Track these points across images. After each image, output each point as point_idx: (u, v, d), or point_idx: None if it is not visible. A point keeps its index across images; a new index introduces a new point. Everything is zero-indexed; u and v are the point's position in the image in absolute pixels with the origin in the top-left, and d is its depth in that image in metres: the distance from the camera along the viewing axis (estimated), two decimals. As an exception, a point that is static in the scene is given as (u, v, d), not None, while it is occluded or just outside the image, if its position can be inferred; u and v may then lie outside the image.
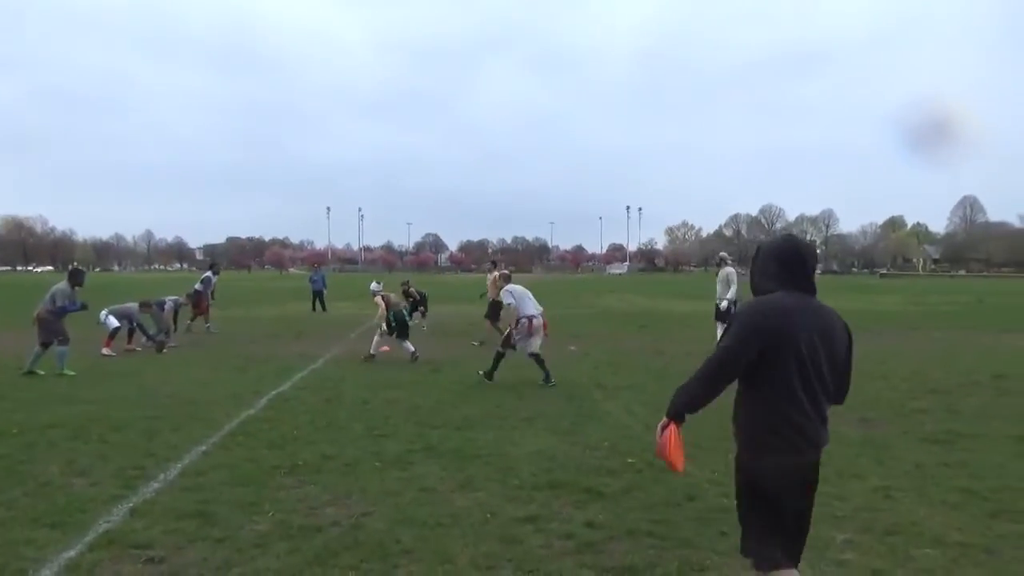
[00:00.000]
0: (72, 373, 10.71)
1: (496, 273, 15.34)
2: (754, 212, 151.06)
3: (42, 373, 10.67)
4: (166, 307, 15.36)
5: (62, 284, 11.35)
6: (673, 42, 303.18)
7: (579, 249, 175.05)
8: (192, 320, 18.00)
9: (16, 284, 54.41)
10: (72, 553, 4.15)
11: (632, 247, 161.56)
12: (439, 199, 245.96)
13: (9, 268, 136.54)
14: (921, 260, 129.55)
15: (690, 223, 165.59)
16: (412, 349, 12.74)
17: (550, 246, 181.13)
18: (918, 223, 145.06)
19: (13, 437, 6.84)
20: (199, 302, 18.05)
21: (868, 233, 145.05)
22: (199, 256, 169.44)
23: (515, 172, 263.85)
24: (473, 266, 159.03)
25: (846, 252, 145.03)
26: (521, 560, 4.14)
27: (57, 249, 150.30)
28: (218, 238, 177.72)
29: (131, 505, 4.97)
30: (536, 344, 10.58)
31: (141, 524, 4.61)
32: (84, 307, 11.66)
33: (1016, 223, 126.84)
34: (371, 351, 12.69)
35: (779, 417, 2.87)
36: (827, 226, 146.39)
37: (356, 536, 4.46)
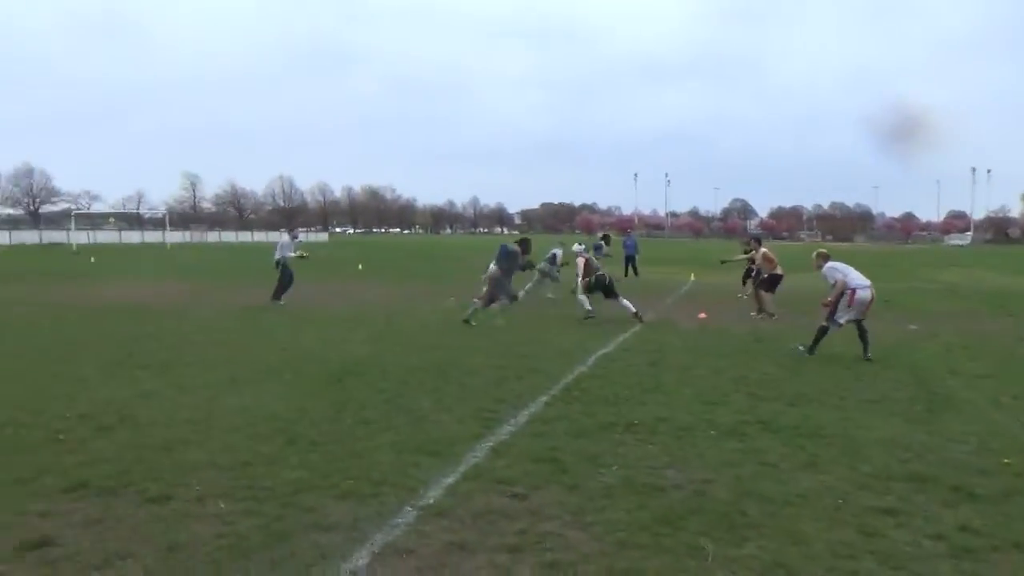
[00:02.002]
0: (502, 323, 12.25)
1: (763, 250, 15.17)
2: None
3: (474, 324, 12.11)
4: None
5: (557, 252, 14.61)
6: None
7: (909, 217, 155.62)
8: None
9: (381, 244, 63.21)
10: (451, 480, 4.75)
11: (977, 215, 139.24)
12: (749, 163, 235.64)
13: (365, 230, 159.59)
14: None
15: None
16: (629, 306, 12.94)
17: (874, 213, 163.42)
18: None
19: (391, 375, 8.01)
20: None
21: None
22: (517, 221, 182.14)
23: (834, 133, 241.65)
24: (785, 233, 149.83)
25: None
26: (885, 555, 3.82)
27: (403, 213, 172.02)
28: (533, 204, 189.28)
29: (491, 444, 5.54)
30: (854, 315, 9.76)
31: (502, 462, 5.11)
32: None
33: None
34: (587, 309, 13.09)
35: None
36: None
37: (700, 502, 4.48)
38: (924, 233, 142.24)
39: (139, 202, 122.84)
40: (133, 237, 79.79)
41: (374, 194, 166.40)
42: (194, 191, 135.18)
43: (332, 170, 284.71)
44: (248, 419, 6.09)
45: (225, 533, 3.89)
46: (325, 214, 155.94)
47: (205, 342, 10.29)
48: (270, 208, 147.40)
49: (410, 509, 4.27)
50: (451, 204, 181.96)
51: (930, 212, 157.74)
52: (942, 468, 5.23)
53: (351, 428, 5.92)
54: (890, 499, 4.63)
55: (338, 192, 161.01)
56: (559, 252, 17.34)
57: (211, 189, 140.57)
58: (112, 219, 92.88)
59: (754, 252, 16.23)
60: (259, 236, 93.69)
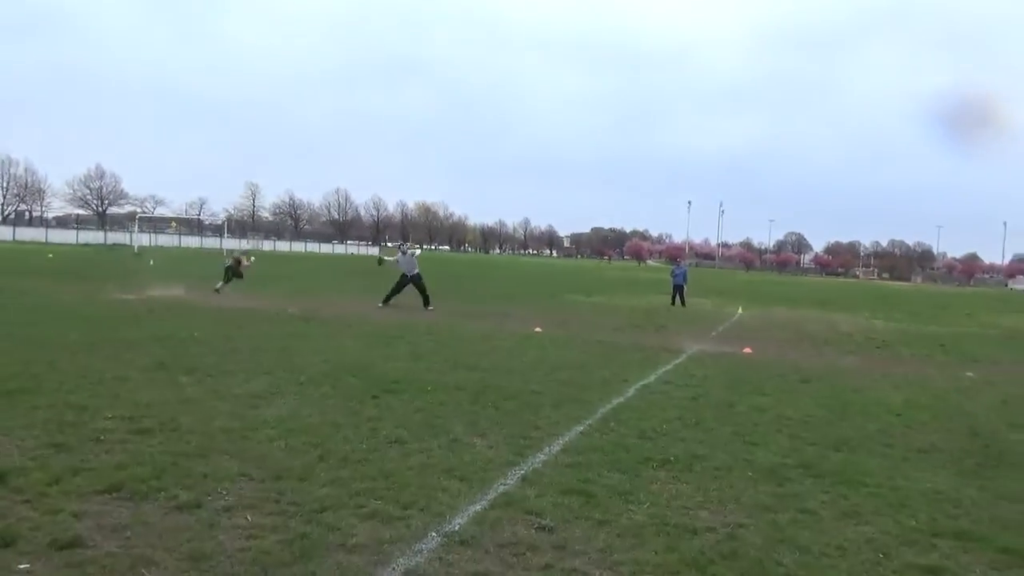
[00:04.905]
0: None
1: None
2: None
3: None
4: None
5: None
6: None
7: (972, 258, 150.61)
8: None
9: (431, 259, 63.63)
10: (478, 507, 4.69)
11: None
12: (806, 195, 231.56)
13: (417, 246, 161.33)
14: None
15: None
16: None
17: (935, 253, 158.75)
18: None
19: (428, 394, 8.01)
20: None
21: None
22: (566, 244, 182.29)
23: (898, 168, 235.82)
24: (840, 270, 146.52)
25: None
26: (926, 617, 3.64)
27: (454, 231, 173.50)
28: (584, 227, 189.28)
29: (523, 472, 5.46)
30: None
31: (532, 492, 5.04)
32: None
33: None
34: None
35: None
36: None
37: (733, 547, 4.33)
38: (987, 276, 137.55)
39: (201, 208, 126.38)
40: (192, 242, 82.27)
41: (427, 211, 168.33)
42: (254, 200, 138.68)
43: (387, 184, 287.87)
44: (283, 431, 6.14)
45: (249, 547, 3.90)
46: (378, 228, 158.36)
47: (250, 349, 10.46)
48: (324, 220, 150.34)
49: (435, 535, 4.22)
50: (501, 224, 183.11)
51: (995, 255, 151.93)
52: (992, 527, 4.98)
53: (383, 447, 5.92)
54: (934, 556, 4.42)
55: (391, 207, 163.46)
56: None
57: (270, 198, 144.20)
58: (174, 223, 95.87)
59: None
60: (312, 246, 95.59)
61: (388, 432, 6.34)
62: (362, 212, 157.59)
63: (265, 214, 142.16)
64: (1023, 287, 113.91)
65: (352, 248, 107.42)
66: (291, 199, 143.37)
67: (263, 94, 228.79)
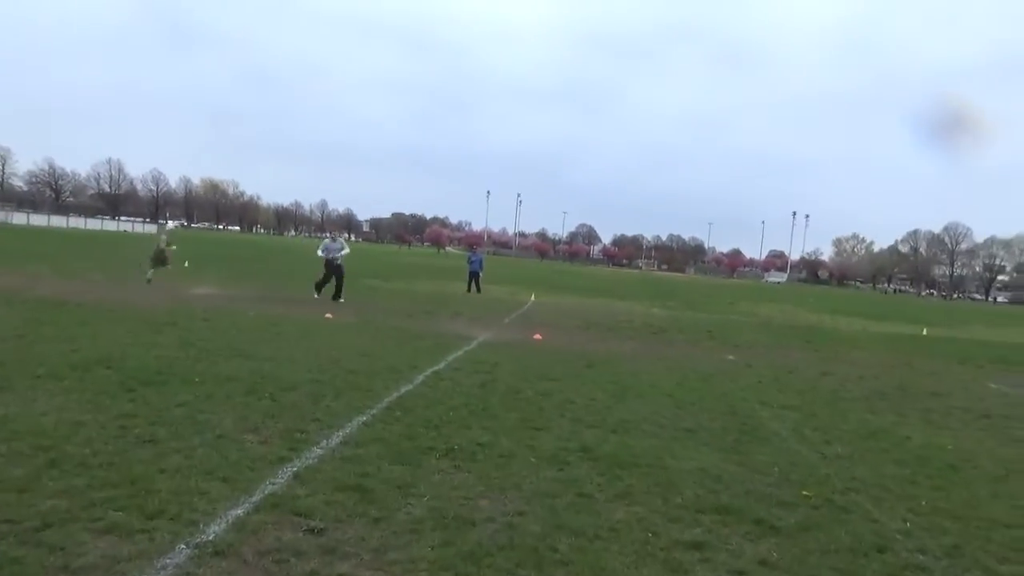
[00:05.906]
0: None
1: None
2: (936, 230, 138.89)
3: None
4: None
5: None
6: (862, 46, 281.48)
7: (736, 253, 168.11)
8: None
9: (215, 241, 59.27)
10: (239, 512, 4.23)
11: (795, 256, 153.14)
12: (597, 190, 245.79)
13: (205, 226, 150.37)
14: None
15: (861, 235, 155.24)
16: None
17: (706, 247, 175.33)
18: None
19: (195, 386, 7.25)
20: None
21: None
22: (365, 228, 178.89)
23: (678, 169, 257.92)
24: (625, 261, 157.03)
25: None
26: (688, 593, 3.76)
27: (245, 211, 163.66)
28: (384, 212, 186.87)
29: (295, 469, 5.05)
30: None
31: (304, 491, 4.65)
32: None
33: None
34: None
35: None
36: (1021, 251, 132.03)
37: (511, 536, 4.26)
38: (747, 269, 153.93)
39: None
40: (-80, 212, 70.50)
41: (214, 188, 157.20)
42: (3, 166, 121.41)
43: (169, 158, 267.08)
44: (4, 433, 5.21)
45: (-66, 580, 3.18)
46: (157, 205, 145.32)
47: (-22, 338, 8.94)
48: (93, 192, 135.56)
49: (184, 547, 3.72)
50: (297, 205, 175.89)
51: (754, 250, 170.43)
52: (747, 500, 5.35)
53: (134, 447, 5.21)
54: (697, 532, 4.64)
55: (174, 182, 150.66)
56: None
57: (25, 165, 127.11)
58: None
59: None
60: (76, 222, 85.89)
61: (141, 430, 5.61)
62: (139, 186, 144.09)
63: (18, 183, 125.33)
64: (776, 280, 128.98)
65: (126, 225, 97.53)
66: (51, 167, 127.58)
67: (21, 46, 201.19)
